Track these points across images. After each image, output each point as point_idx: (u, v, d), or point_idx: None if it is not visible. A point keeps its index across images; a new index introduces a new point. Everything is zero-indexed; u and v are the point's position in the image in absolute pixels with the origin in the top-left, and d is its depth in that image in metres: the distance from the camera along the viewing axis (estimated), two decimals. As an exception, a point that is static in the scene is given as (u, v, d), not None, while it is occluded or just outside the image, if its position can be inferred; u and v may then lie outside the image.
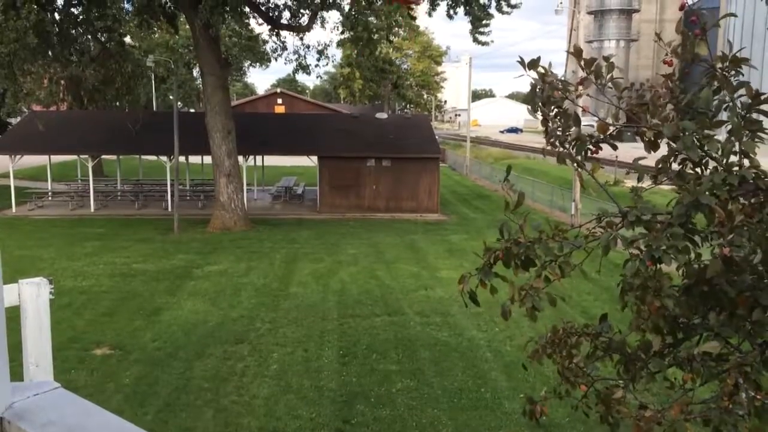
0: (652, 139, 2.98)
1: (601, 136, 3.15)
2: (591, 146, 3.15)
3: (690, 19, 3.07)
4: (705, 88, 2.91)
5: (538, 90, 3.15)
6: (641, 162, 3.12)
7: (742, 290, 2.80)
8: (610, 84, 3.11)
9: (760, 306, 2.76)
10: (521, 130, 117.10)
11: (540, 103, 3.17)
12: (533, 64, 3.16)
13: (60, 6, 26.56)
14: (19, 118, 38.24)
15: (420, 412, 10.28)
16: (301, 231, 26.05)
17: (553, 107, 3.17)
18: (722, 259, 2.83)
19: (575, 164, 3.21)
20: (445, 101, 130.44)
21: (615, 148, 3.19)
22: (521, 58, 3.22)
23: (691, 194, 2.67)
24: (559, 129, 3.17)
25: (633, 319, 2.99)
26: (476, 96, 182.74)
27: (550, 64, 3.24)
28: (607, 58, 3.19)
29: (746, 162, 2.86)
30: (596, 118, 3.25)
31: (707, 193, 2.66)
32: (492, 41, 28.55)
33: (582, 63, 3.19)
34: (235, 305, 15.82)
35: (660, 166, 3.04)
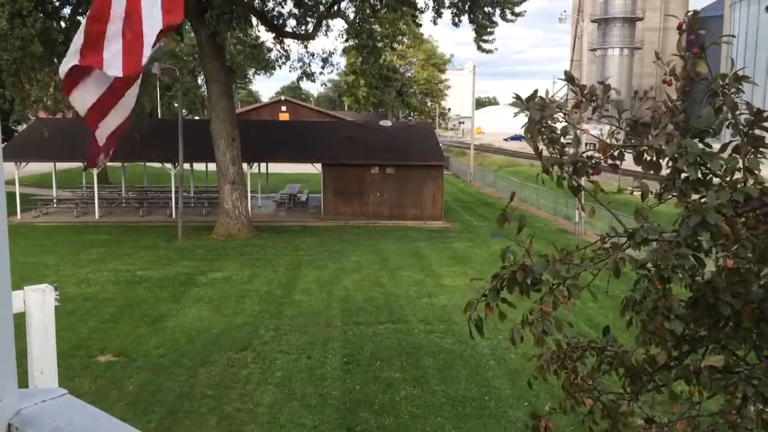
0: (654, 159, 2.97)
1: (602, 158, 3.14)
2: (590, 169, 3.14)
3: (689, 38, 3.07)
4: (707, 107, 2.91)
5: (533, 119, 3.15)
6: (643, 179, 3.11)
7: (748, 302, 2.80)
8: (607, 107, 3.11)
9: (766, 319, 2.75)
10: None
11: (536, 132, 3.16)
12: (531, 98, 3.18)
13: (66, 15, 26.74)
14: (25, 125, 38.43)
15: (424, 420, 10.26)
16: (305, 238, 26.07)
17: (546, 134, 3.16)
18: (727, 271, 2.82)
19: (572, 191, 3.20)
20: (449, 109, 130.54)
21: (617, 168, 3.18)
22: (517, 95, 3.24)
23: (698, 213, 2.66)
24: (556, 154, 3.16)
25: (639, 334, 2.98)
26: (480, 103, 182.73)
27: (547, 92, 3.25)
28: (602, 82, 3.20)
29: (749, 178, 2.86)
30: (597, 138, 3.25)
31: (713, 211, 2.65)
32: (496, 49, 28.68)
33: (574, 88, 3.20)
34: (239, 312, 15.82)
35: (665, 184, 3.03)
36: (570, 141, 3.20)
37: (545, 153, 3.21)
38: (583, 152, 3.21)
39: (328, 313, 15.88)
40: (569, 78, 3.26)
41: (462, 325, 14.72)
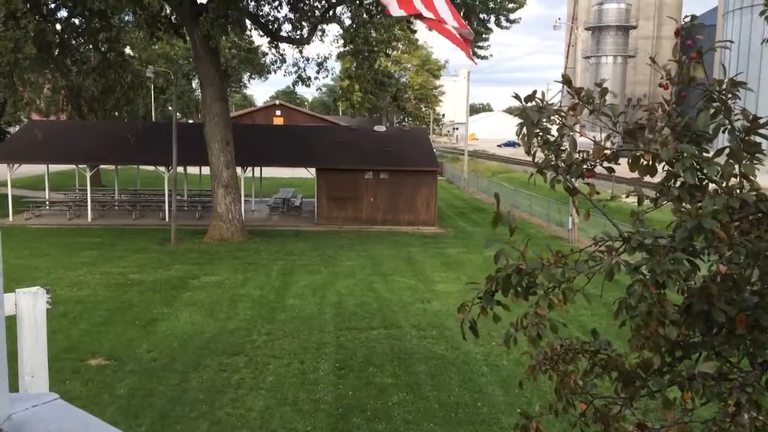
0: (650, 163, 2.97)
1: (597, 161, 3.14)
2: (585, 170, 3.13)
3: (686, 43, 3.08)
4: (702, 111, 2.92)
5: (528, 121, 3.15)
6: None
7: (743, 309, 2.80)
8: (604, 109, 3.11)
9: (760, 326, 2.75)
10: (519, 144, 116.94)
11: (531, 135, 3.16)
12: (530, 98, 3.19)
13: (62, 17, 26.69)
14: (18, 127, 38.29)
15: (416, 426, 10.23)
16: (298, 243, 26.02)
17: (542, 136, 3.16)
18: (721, 277, 2.83)
19: (569, 192, 3.20)
20: (443, 115, 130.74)
21: (612, 171, 3.18)
22: (516, 94, 3.25)
23: (694, 218, 2.66)
24: (552, 156, 3.16)
25: (632, 338, 2.98)
26: (474, 110, 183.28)
27: (543, 94, 3.26)
28: (599, 84, 3.21)
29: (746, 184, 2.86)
30: (592, 141, 3.24)
31: (710, 217, 2.65)
32: (491, 55, 28.99)
33: (571, 90, 3.20)
34: (232, 317, 15.76)
35: (660, 189, 3.03)
36: (565, 143, 3.20)
37: (539, 154, 3.21)
38: (579, 152, 3.21)
39: (321, 318, 15.85)
40: (567, 81, 3.26)
41: (455, 331, 14.70)
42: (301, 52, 29.15)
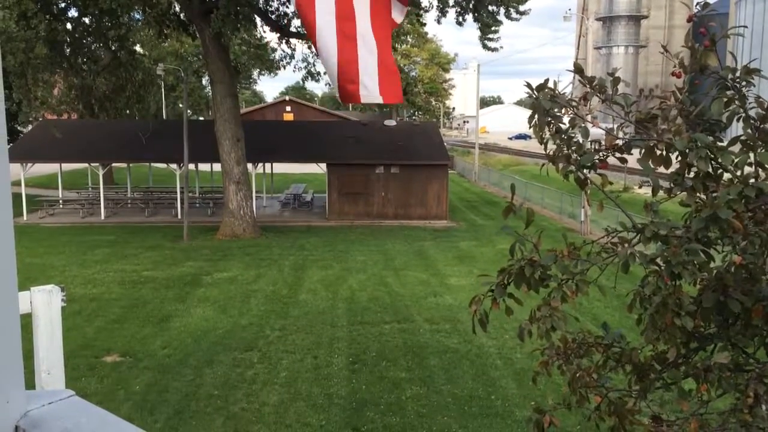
0: (664, 153, 2.94)
1: (609, 151, 3.11)
2: (597, 160, 3.10)
3: (699, 31, 3.04)
4: (716, 100, 2.88)
5: (540, 109, 3.12)
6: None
7: (759, 299, 2.77)
8: (616, 98, 3.08)
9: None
10: (530, 137, 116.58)
11: (542, 121, 3.13)
12: (541, 87, 3.16)
13: (73, 16, 26.82)
14: (30, 127, 38.57)
15: (430, 420, 10.24)
16: (310, 238, 26.07)
17: (553, 125, 3.14)
18: (736, 268, 2.80)
19: (578, 183, 3.18)
20: (454, 108, 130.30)
21: (624, 162, 3.15)
22: (528, 83, 3.23)
23: (709, 208, 2.63)
24: (564, 146, 3.13)
25: (646, 330, 2.95)
26: (484, 103, 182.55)
27: (555, 83, 3.23)
28: (612, 73, 3.17)
29: (761, 173, 2.82)
30: (604, 131, 3.21)
31: (725, 206, 2.62)
32: (501, 47, 28.61)
33: (583, 79, 3.17)
34: (245, 312, 15.83)
35: (674, 179, 3.00)
36: (577, 133, 3.17)
37: (551, 144, 3.19)
38: (591, 142, 3.19)
39: (334, 312, 15.88)
40: (578, 69, 3.23)
41: (468, 325, 14.65)
42: (310, 47, 29.13)
